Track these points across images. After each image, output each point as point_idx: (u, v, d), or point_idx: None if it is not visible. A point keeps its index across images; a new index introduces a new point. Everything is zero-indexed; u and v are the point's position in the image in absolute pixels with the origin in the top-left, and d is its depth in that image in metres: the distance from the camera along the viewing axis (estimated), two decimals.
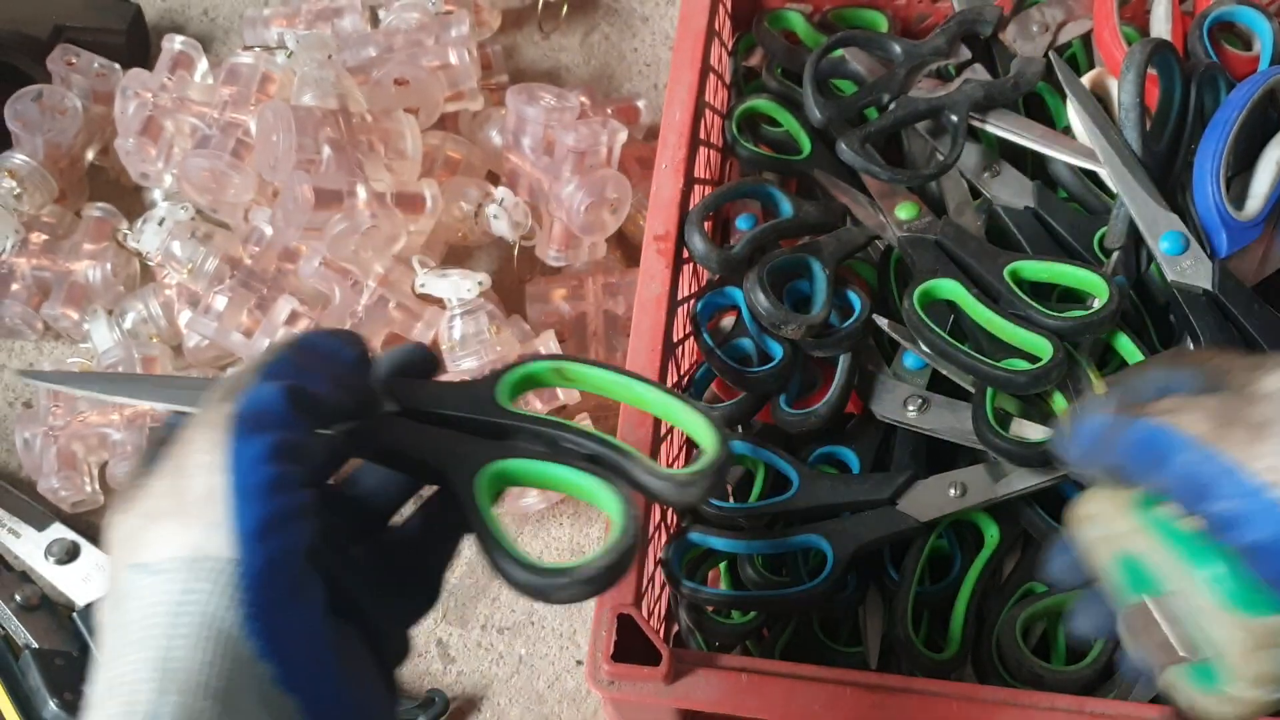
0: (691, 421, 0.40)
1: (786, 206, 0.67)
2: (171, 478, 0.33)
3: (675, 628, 0.61)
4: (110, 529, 0.34)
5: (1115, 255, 0.62)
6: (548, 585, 0.34)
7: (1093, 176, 0.66)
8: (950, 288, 0.62)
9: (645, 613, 0.51)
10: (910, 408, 0.62)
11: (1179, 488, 0.37)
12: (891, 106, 0.69)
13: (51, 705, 0.64)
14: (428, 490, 0.41)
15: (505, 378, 0.41)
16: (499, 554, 0.35)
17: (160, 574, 0.31)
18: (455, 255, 0.81)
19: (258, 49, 0.83)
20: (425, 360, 0.42)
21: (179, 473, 0.32)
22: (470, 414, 0.39)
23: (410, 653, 0.40)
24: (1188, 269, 0.61)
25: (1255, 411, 0.36)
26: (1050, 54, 0.69)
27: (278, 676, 0.31)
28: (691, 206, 0.64)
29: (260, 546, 0.31)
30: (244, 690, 0.30)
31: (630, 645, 0.49)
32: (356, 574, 0.38)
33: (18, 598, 0.69)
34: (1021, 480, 0.58)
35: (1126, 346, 0.60)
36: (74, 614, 0.70)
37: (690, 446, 0.67)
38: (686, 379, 0.66)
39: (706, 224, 0.64)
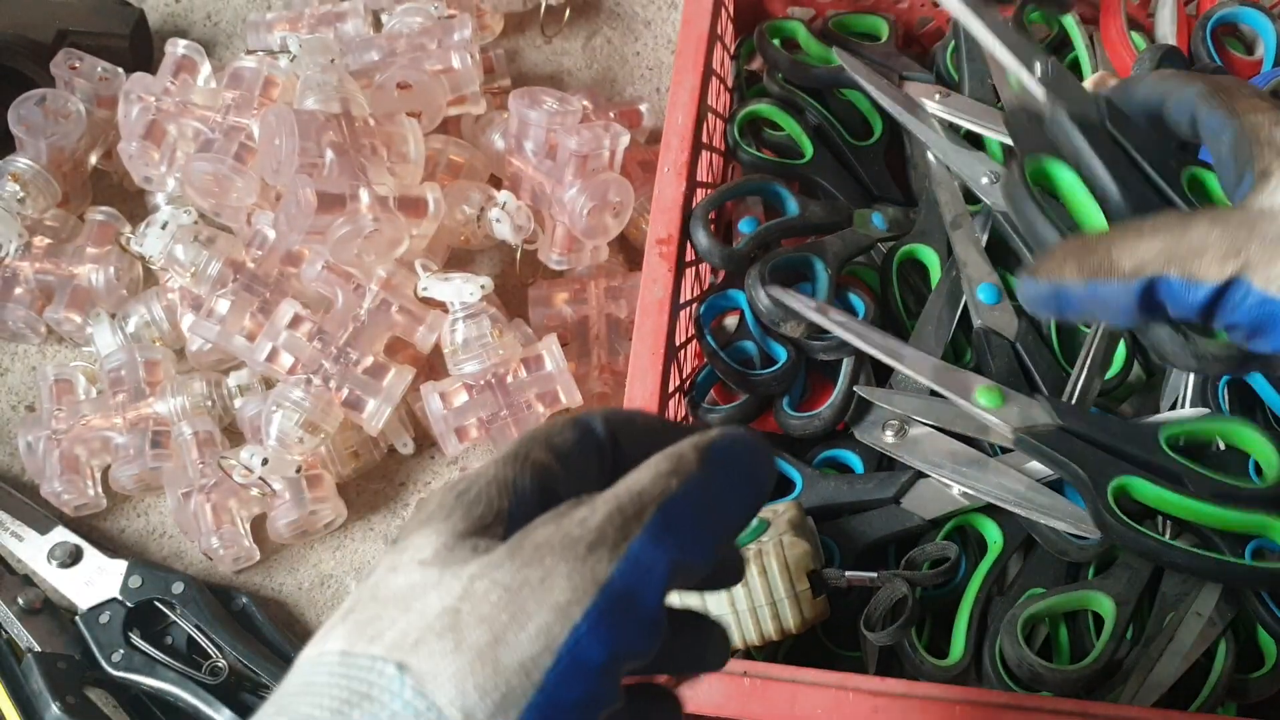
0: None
1: (792, 205, 0.67)
2: (504, 599, 0.27)
3: None
4: (406, 552, 0.29)
5: None
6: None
7: None
8: (1145, 488, 0.55)
9: None
10: (888, 433, 0.61)
11: (1190, 320, 0.38)
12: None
13: (54, 709, 0.64)
14: None
15: None
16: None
17: (417, 713, 0.26)
18: (458, 259, 0.81)
19: (261, 53, 0.83)
20: None
21: (514, 603, 0.27)
22: None
23: None
24: None
25: (1268, 228, 0.36)
26: (1052, 58, 0.69)
27: None
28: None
29: None
30: None
31: None
32: None
33: (20, 601, 0.69)
34: (1020, 480, 0.58)
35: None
36: (76, 617, 0.70)
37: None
38: (689, 382, 0.66)
39: (710, 226, 0.64)
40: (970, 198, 0.68)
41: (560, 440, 0.32)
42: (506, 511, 0.30)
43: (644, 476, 0.29)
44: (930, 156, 0.70)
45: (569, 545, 0.28)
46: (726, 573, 0.36)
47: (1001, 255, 0.67)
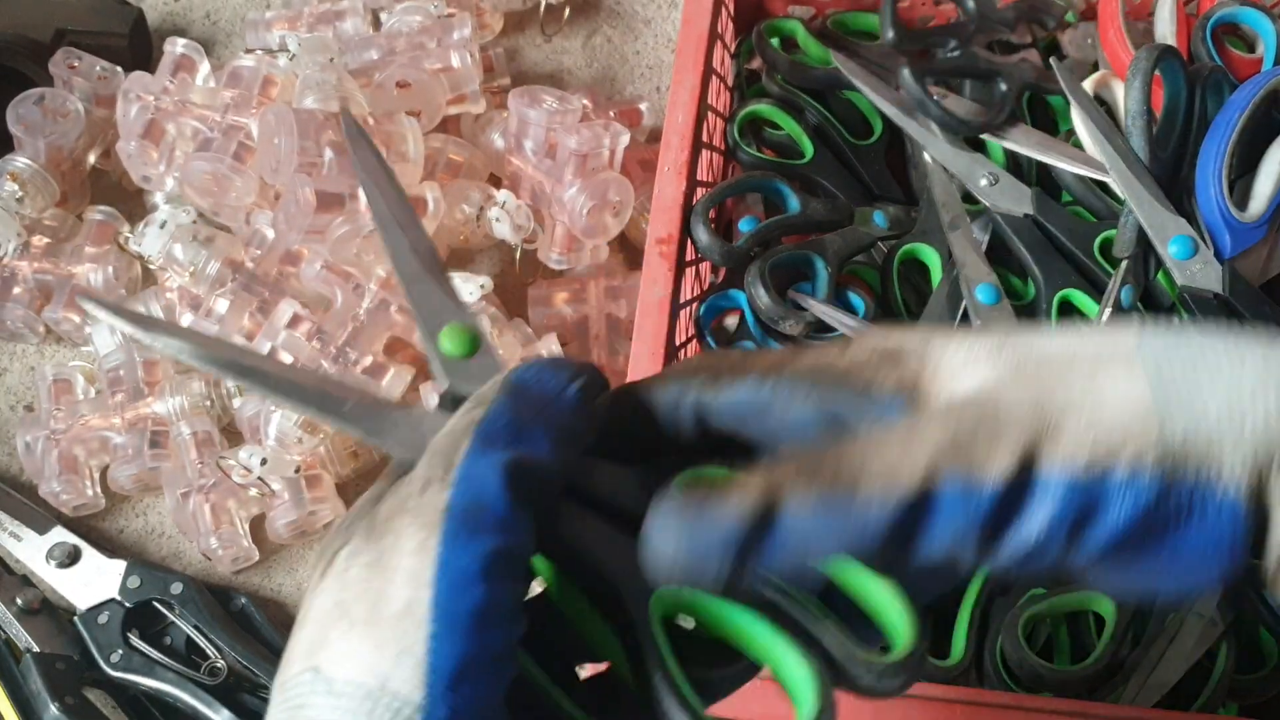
0: (882, 604, 0.31)
1: (794, 203, 0.66)
2: (371, 570, 0.28)
3: None
4: (308, 593, 0.30)
5: (1124, 264, 0.62)
6: None
7: (1098, 180, 0.66)
8: None
9: None
10: None
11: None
12: (956, 54, 0.71)
13: (52, 709, 0.64)
14: None
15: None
16: (664, 691, 0.30)
17: (339, 696, 0.27)
18: (457, 258, 0.81)
19: (260, 52, 0.83)
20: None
21: (380, 567, 0.28)
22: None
23: None
24: (1197, 273, 0.61)
25: (996, 421, 0.28)
26: (1053, 60, 0.69)
27: None
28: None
29: (452, 695, 0.27)
30: None
31: None
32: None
33: (19, 601, 0.69)
34: None
35: None
36: (75, 618, 0.70)
37: None
38: None
39: (711, 225, 0.64)
40: (969, 198, 0.68)
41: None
42: None
43: (454, 419, 0.31)
44: (927, 157, 0.70)
45: (405, 499, 0.29)
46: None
47: (1001, 256, 0.67)
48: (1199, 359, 0.28)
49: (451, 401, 0.34)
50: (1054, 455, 0.27)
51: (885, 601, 0.31)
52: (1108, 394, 0.28)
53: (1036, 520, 0.27)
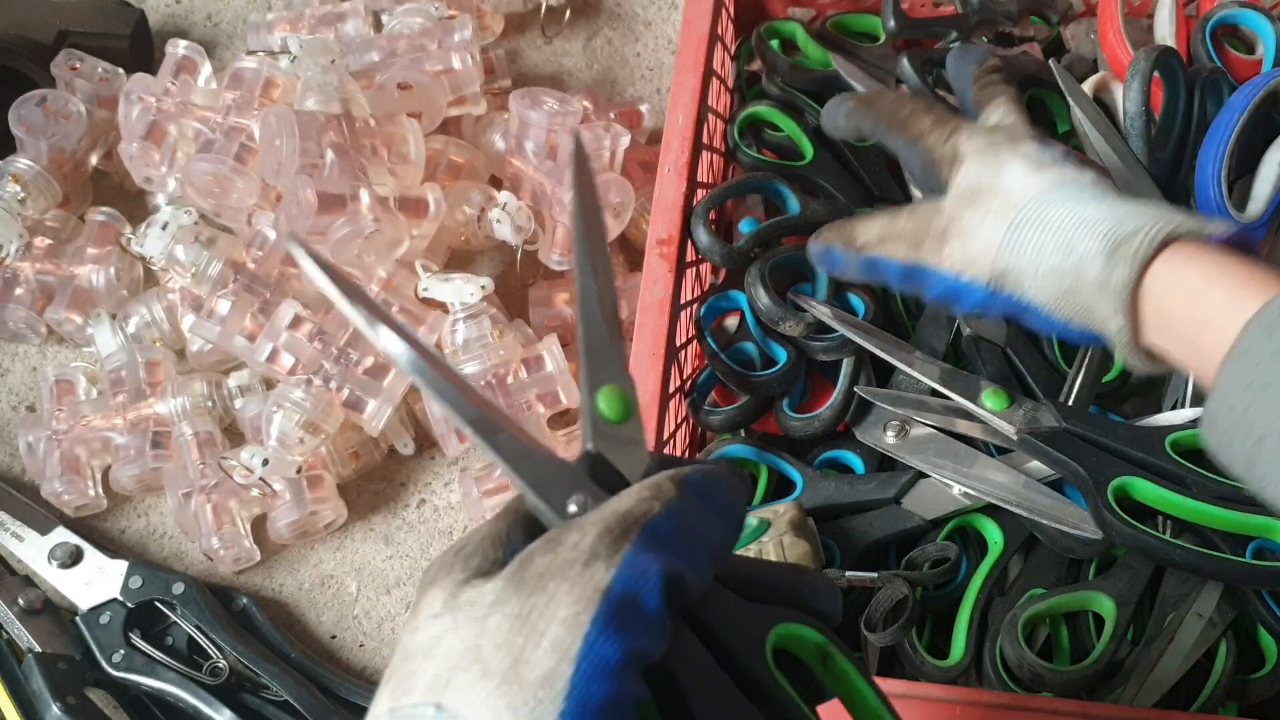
0: None
1: (793, 204, 0.67)
2: (516, 626, 0.29)
3: None
4: (420, 620, 0.30)
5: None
6: None
7: None
8: (1146, 489, 0.55)
9: None
10: (889, 434, 0.61)
11: (903, 288, 0.54)
12: (955, 45, 0.71)
13: (54, 709, 0.64)
14: None
15: (775, 631, 0.34)
16: None
17: None
18: (458, 259, 0.81)
19: (261, 54, 0.83)
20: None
21: (527, 626, 0.28)
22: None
23: None
24: None
25: (937, 223, 0.51)
26: (1051, 62, 0.69)
27: None
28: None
29: None
30: None
31: None
32: None
33: (21, 602, 0.69)
34: (1021, 480, 0.58)
35: None
36: (77, 618, 0.70)
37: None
38: (689, 383, 0.66)
39: (711, 226, 0.64)
40: None
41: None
42: (501, 560, 0.32)
43: (627, 501, 0.31)
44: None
45: (566, 566, 0.29)
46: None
47: None
48: (1046, 215, 0.48)
49: (591, 463, 0.34)
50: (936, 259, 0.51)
51: None
52: (982, 230, 0.50)
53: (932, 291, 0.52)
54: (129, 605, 0.70)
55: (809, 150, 0.71)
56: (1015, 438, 0.57)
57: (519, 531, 0.33)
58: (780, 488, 0.63)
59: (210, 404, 0.74)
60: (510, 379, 0.71)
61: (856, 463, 0.63)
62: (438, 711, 0.28)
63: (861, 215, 0.55)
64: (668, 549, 0.30)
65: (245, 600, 0.71)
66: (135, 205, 0.84)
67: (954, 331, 0.64)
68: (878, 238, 0.53)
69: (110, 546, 0.73)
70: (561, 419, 0.75)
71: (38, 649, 0.68)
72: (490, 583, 0.30)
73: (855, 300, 0.65)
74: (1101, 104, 0.69)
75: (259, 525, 0.73)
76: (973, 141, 0.52)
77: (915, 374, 0.60)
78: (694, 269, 0.66)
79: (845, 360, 0.64)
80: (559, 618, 0.28)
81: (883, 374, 0.64)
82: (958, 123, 0.54)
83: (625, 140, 0.75)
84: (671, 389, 0.61)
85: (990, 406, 0.58)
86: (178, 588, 0.70)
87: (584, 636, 0.28)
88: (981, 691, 0.52)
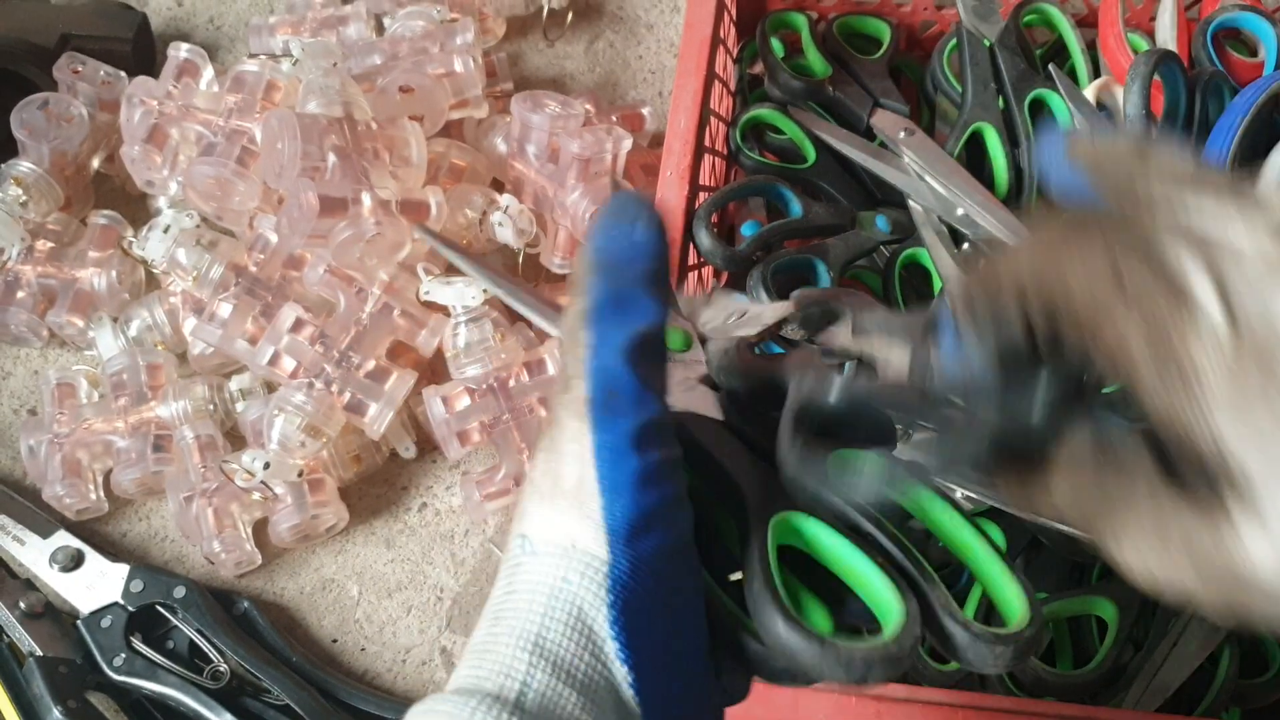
0: (1002, 584, 0.34)
1: (796, 207, 0.67)
2: (548, 454, 0.33)
3: None
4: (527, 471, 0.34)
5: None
6: (810, 653, 0.30)
7: None
8: None
9: None
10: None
11: None
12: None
13: (55, 713, 0.64)
14: None
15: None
16: (764, 602, 0.32)
17: (540, 556, 0.32)
18: None
19: (263, 57, 0.83)
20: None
21: (553, 453, 0.33)
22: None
23: (746, 697, 0.36)
24: None
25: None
26: (1051, 66, 0.69)
27: (632, 682, 0.31)
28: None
29: (628, 548, 0.31)
30: (601, 687, 0.31)
31: None
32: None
33: (22, 605, 0.69)
34: None
35: None
36: (78, 622, 0.70)
37: None
38: None
39: (713, 229, 0.64)
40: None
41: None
42: None
43: (569, 314, 0.34)
44: (911, 203, 0.69)
45: (560, 395, 0.34)
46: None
47: None
48: None
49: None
50: None
51: (1002, 579, 0.34)
52: None
53: None
54: (130, 609, 0.70)
55: (811, 153, 0.71)
56: None
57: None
58: None
59: (212, 407, 0.74)
60: (512, 382, 0.71)
61: None
62: (523, 541, 0.33)
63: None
64: (612, 322, 0.33)
65: (246, 604, 0.71)
66: (137, 208, 0.84)
67: None
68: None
69: (111, 550, 0.73)
70: None
71: (39, 652, 0.68)
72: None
73: None
74: (1103, 109, 0.69)
75: (260, 529, 0.73)
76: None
77: None
78: (696, 272, 0.66)
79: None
80: (569, 437, 0.33)
81: None
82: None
83: (627, 144, 0.75)
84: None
85: None
86: (179, 591, 0.70)
87: (590, 443, 0.32)
88: (984, 696, 0.52)
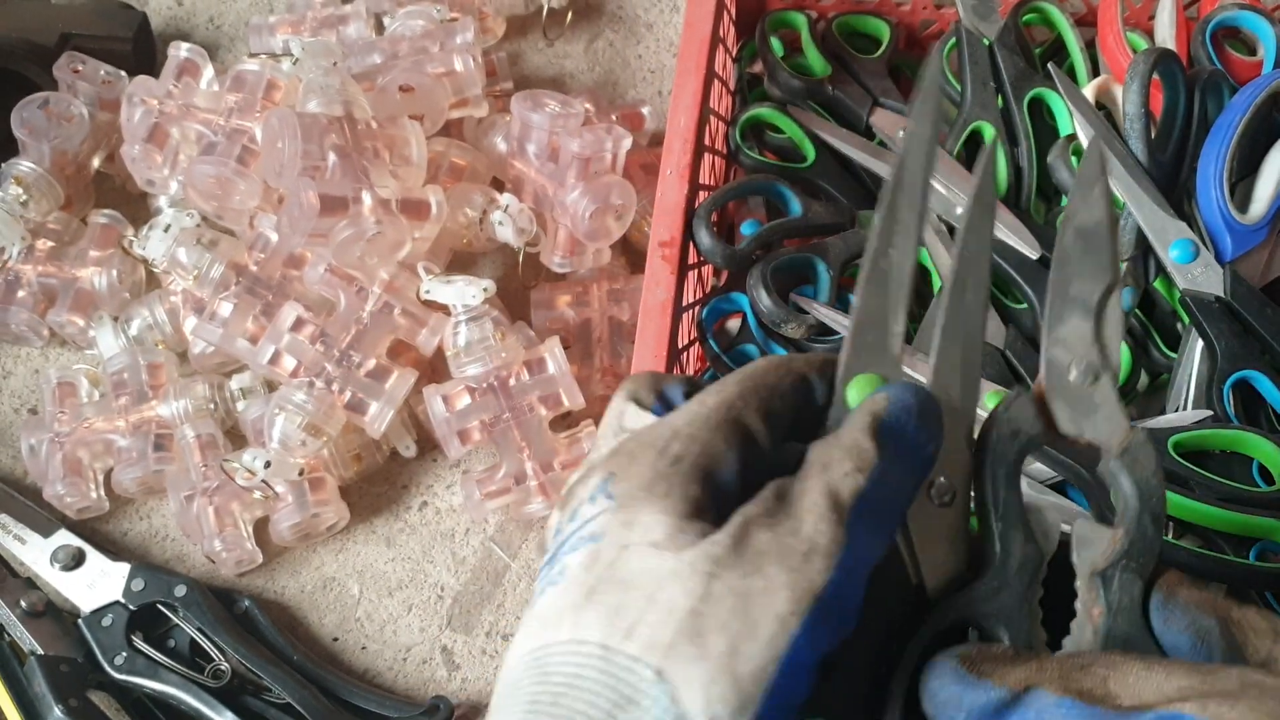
0: None
1: (795, 206, 0.67)
2: (737, 604, 0.29)
3: None
4: (653, 550, 0.30)
5: (1124, 266, 0.62)
6: None
7: None
8: None
9: None
10: None
11: None
12: None
13: (56, 711, 0.64)
14: None
15: None
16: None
17: (674, 716, 0.28)
18: (460, 262, 0.81)
19: (263, 56, 0.84)
20: None
21: (745, 609, 0.29)
22: None
23: None
24: (1199, 276, 0.61)
25: None
26: (1050, 66, 0.69)
27: None
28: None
29: None
30: None
31: None
32: None
33: (23, 604, 0.70)
34: (1023, 481, 0.58)
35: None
36: (79, 620, 0.70)
37: None
38: None
39: (713, 228, 0.64)
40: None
41: (778, 405, 0.34)
42: (717, 492, 0.32)
43: (835, 476, 0.31)
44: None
45: (786, 554, 0.29)
46: None
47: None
48: None
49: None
50: None
51: None
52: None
53: None
54: (131, 608, 0.70)
55: (811, 152, 0.71)
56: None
57: (735, 456, 0.32)
58: None
59: (212, 406, 0.74)
60: (512, 381, 0.71)
61: None
62: (658, 679, 0.28)
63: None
64: (871, 534, 0.30)
65: (247, 603, 0.71)
66: (137, 208, 0.84)
67: None
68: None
69: (112, 549, 0.73)
70: (563, 421, 0.75)
71: (40, 651, 0.68)
72: (715, 536, 0.30)
73: None
74: (1102, 108, 0.69)
75: (261, 528, 0.73)
76: None
77: (916, 375, 0.60)
78: (696, 271, 0.66)
79: None
80: (774, 612, 0.29)
81: None
82: None
83: (627, 143, 0.75)
84: None
85: (991, 408, 0.58)
86: (180, 590, 0.70)
87: (791, 640, 0.28)
88: None
